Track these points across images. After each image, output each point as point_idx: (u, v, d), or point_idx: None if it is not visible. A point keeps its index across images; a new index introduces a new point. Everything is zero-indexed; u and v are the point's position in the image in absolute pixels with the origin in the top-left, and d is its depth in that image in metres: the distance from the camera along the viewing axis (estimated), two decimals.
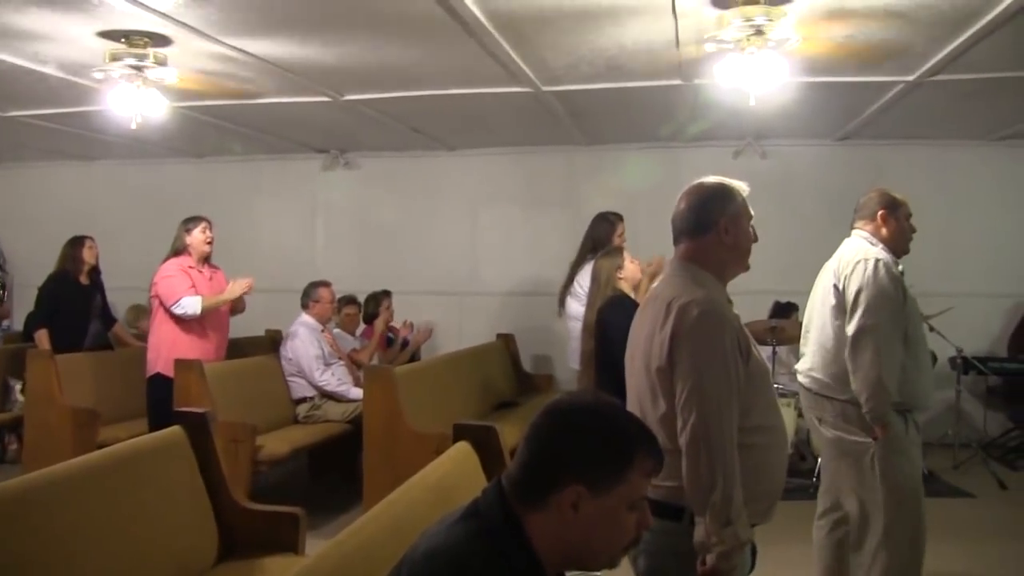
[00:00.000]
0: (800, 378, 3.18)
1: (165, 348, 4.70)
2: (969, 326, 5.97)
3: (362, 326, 6.14)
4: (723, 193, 2.04)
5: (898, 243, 3.08)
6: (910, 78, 4.59)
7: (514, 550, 1.33)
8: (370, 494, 4.14)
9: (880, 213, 3.07)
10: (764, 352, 2.68)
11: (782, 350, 5.68)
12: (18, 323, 6.82)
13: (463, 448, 2.59)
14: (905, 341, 2.95)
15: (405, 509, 2.09)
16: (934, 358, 4.55)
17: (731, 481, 1.81)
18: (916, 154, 6.43)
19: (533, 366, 6.87)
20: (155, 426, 4.06)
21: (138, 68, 3.99)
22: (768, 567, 2.30)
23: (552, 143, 6.88)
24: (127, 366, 5.33)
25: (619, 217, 4.83)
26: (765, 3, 3.37)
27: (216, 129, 6.24)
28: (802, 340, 3.24)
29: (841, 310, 2.98)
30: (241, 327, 5.60)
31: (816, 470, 4.84)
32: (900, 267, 3.03)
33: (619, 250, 3.92)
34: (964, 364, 5.80)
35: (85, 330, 5.62)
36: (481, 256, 7.25)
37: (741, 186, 2.08)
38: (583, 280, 4.39)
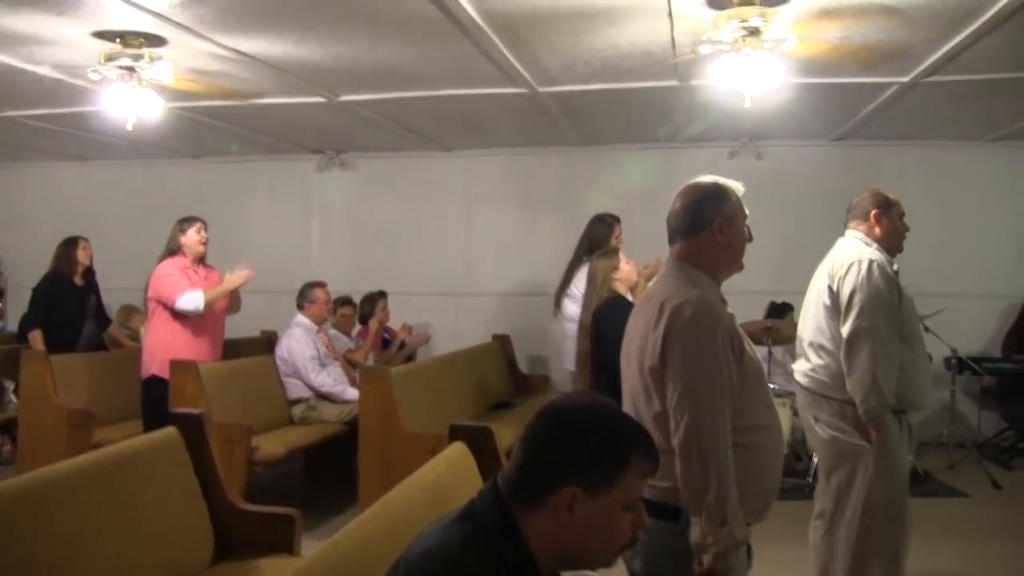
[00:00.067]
0: (798, 377, 3.18)
1: (160, 350, 4.66)
2: (964, 326, 6.00)
3: (358, 327, 6.14)
4: (718, 193, 2.04)
5: (892, 242, 3.08)
6: (905, 79, 4.60)
7: (510, 551, 1.33)
8: (366, 495, 4.13)
9: (873, 213, 3.07)
10: (760, 352, 2.67)
11: (778, 350, 5.70)
12: (12, 324, 6.80)
13: (459, 449, 2.60)
14: (902, 340, 2.95)
15: (401, 510, 2.08)
16: (929, 359, 4.55)
17: (725, 481, 1.81)
18: (911, 155, 6.45)
19: (529, 367, 6.86)
20: (150, 428, 4.04)
21: (133, 68, 3.99)
22: (764, 567, 2.31)
23: (548, 144, 6.88)
24: (122, 367, 5.30)
25: (616, 219, 4.81)
26: (760, 4, 3.38)
27: (212, 130, 6.24)
28: (798, 341, 3.24)
29: (836, 311, 2.98)
30: (237, 328, 5.59)
31: (812, 470, 4.85)
32: (895, 267, 3.04)
33: (615, 251, 3.91)
34: (959, 364, 5.82)
35: (79, 331, 5.62)
36: (477, 257, 7.24)
37: (736, 186, 2.08)
38: (579, 281, 4.38)
